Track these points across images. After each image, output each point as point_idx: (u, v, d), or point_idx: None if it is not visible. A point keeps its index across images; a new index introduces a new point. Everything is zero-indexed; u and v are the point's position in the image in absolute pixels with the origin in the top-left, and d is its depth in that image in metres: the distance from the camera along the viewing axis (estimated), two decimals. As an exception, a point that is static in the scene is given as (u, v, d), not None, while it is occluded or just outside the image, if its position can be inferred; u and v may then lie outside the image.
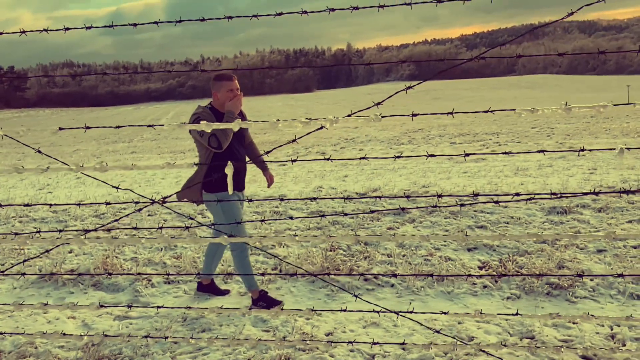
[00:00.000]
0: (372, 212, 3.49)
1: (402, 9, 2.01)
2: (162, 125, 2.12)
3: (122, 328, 3.53)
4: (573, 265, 4.23)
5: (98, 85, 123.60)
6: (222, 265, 4.59)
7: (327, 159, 2.19)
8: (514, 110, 1.94)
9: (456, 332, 3.25)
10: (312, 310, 2.45)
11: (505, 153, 2.17)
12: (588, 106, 1.80)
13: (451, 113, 1.96)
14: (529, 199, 2.20)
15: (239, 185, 3.74)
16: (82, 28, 2.23)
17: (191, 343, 3.15)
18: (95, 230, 2.70)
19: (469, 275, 3.15)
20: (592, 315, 2.41)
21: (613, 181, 7.64)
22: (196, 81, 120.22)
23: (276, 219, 3.65)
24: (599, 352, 2.88)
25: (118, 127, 2.21)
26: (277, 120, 1.97)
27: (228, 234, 3.44)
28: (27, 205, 2.42)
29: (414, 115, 1.95)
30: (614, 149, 1.91)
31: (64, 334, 2.67)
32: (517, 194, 2.12)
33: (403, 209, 2.34)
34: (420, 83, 2.10)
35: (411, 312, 2.48)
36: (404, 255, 4.65)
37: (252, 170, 5.67)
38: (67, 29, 2.25)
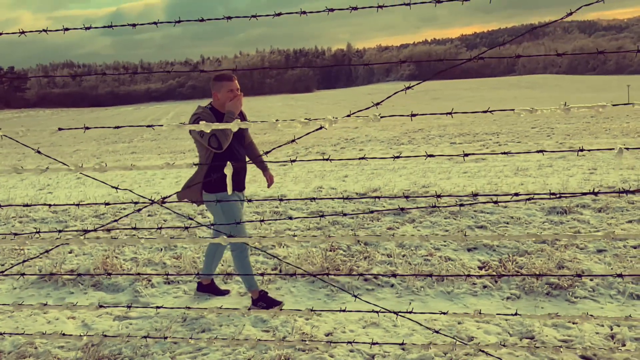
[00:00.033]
0: (372, 212, 3.49)
1: (402, 9, 2.01)
2: (162, 125, 2.12)
3: (122, 328, 3.53)
4: (573, 265, 4.23)
5: (98, 86, 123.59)
6: (222, 265, 4.59)
7: (327, 159, 2.19)
8: (514, 110, 1.94)
9: (456, 332, 3.25)
10: (312, 310, 2.45)
11: (505, 153, 2.17)
12: (587, 106, 1.80)
13: (451, 113, 1.96)
14: (529, 199, 2.20)
15: (239, 185, 3.74)
16: (81, 28, 2.23)
17: (191, 343, 3.15)
18: (95, 230, 2.70)
19: (469, 275, 3.15)
20: (592, 316, 2.41)
21: (613, 181, 7.64)
22: (196, 81, 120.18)
23: (276, 219, 3.66)
24: (598, 352, 2.88)
25: (118, 127, 2.21)
26: (277, 120, 1.97)
27: (228, 234, 3.44)
28: (27, 205, 2.43)
29: (413, 115, 1.95)
30: (614, 149, 1.92)
31: (64, 334, 2.67)
32: (517, 194, 2.12)
33: (403, 209, 2.34)
34: (419, 83, 2.11)
35: (411, 312, 2.48)
36: (403, 256, 4.65)
37: (252, 170, 5.66)
38: (67, 29, 2.25)
